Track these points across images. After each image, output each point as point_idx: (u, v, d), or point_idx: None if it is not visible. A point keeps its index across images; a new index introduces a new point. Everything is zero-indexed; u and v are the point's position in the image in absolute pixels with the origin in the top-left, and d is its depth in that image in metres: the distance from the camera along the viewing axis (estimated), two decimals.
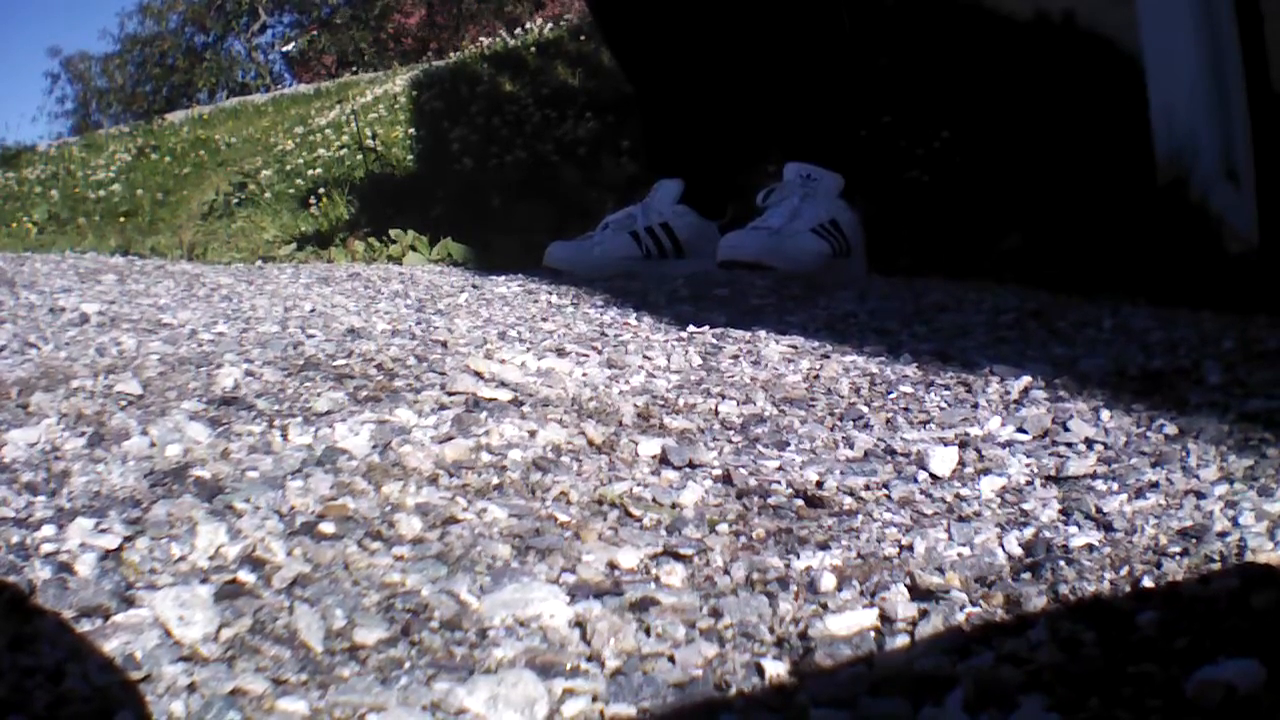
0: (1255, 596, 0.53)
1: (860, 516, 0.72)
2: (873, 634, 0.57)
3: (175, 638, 0.52)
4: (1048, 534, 0.66)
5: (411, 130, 5.79)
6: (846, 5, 1.92)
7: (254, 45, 20.39)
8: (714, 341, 1.20)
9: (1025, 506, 0.72)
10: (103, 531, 0.61)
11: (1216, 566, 0.59)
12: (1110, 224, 1.86)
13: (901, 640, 0.56)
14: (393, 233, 2.78)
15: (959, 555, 0.65)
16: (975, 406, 0.93)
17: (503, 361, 1.02)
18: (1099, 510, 0.69)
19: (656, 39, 2.04)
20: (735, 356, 1.13)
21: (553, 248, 2.03)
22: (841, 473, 0.80)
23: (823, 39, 1.93)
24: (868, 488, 0.77)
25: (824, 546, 0.68)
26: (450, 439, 0.81)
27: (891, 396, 0.99)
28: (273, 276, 1.83)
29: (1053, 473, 0.77)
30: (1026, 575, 0.62)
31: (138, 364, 0.98)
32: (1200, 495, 0.69)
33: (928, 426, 0.90)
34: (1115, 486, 0.73)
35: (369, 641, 0.54)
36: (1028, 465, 0.79)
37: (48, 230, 5.80)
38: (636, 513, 0.73)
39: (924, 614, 0.58)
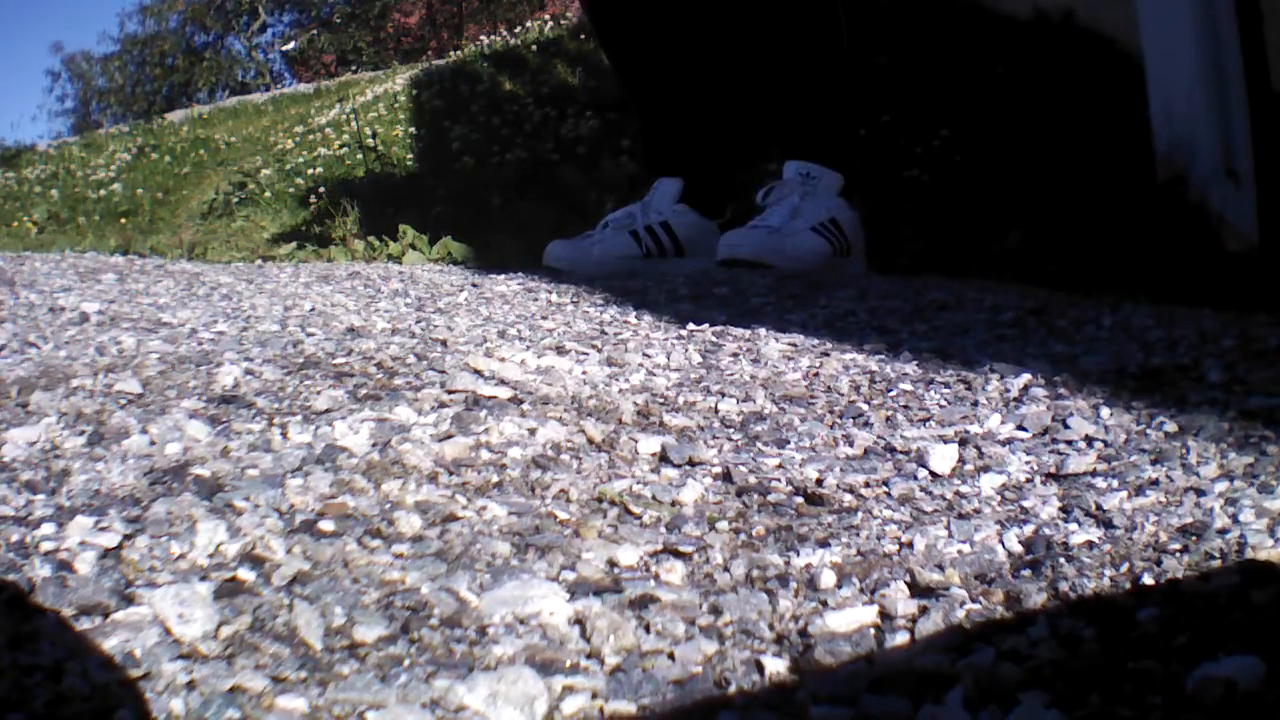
0: (1256, 593, 0.53)
1: (860, 514, 0.72)
2: (873, 631, 0.57)
3: (175, 635, 0.52)
4: (1048, 531, 0.66)
5: (411, 129, 5.79)
6: (844, 4, 1.92)
7: (254, 44, 20.39)
8: (714, 339, 1.20)
9: (1025, 504, 0.72)
10: (102, 530, 0.61)
11: (1217, 563, 0.59)
12: (1110, 222, 1.86)
13: (901, 637, 0.56)
14: (395, 230, 2.79)
15: (959, 552, 0.65)
16: (975, 404, 0.93)
17: (502, 360, 1.02)
18: (1099, 507, 0.69)
19: (653, 39, 2.04)
20: (735, 354, 1.13)
21: (552, 247, 2.03)
22: (841, 470, 0.80)
23: (820, 37, 1.93)
24: (868, 485, 0.77)
25: (824, 544, 0.68)
26: (450, 437, 0.81)
27: (891, 394, 0.99)
28: (272, 275, 1.83)
29: (1053, 470, 0.77)
30: (1026, 572, 0.62)
31: (137, 363, 0.98)
32: (1200, 492, 0.69)
33: (928, 424, 0.90)
34: (1115, 484, 0.73)
35: (368, 639, 0.54)
36: (1028, 463, 0.79)
37: (48, 230, 5.80)
38: (636, 510, 0.73)
39: (924, 611, 0.58)
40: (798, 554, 0.66)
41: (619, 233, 2.01)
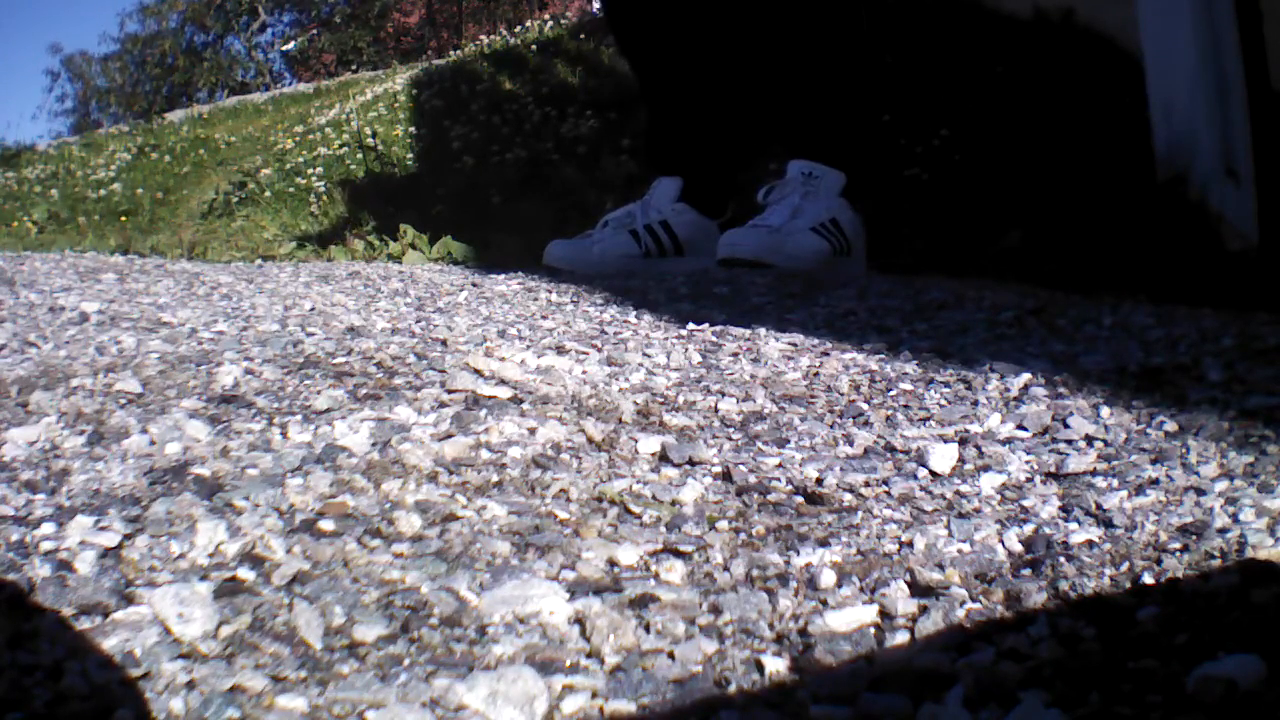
0: (1255, 592, 0.53)
1: (860, 513, 0.72)
2: (873, 630, 0.57)
3: (174, 635, 0.52)
4: (1048, 530, 0.66)
5: (411, 129, 5.78)
6: (866, 4, 1.92)
7: (254, 44, 20.38)
8: (714, 339, 1.20)
9: (1025, 503, 0.72)
10: (102, 529, 0.61)
11: (1217, 562, 0.59)
12: (1110, 221, 1.85)
13: (901, 636, 0.56)
14: (395, 230, 2.79)
15: (959, 552, 0.65)
16: (975, 404, 0.93)
17: (502, 359, 1.02)
18: (1099, 507, 0.69)
19: (668, 33, 2.04)
20: (735, 354, 1.13)
21: (552, 246, 2.03)
22: (841, 470, 0.80)
23: (839, 37, 1.93)
24: (868, 484, 0.77)
25: (824, 543, 0.68)
26: (450, 436, 0.81)
27: (891, 394, 0.99)
28: (272, 275, 1.83)
29: (1053, 469, 0.77)
30: (1026, 571, 0.62)
31: (137, 362, 0.98)
32: (1200, 492, 0.69)
33: (928, 423, 0.90)
34: (1115, 483, 0.73)
35: (368, 638, 0.54)
36: (1028, 462, 0.79)
37: (48, 229, 5.79)
38: (636, 510, 0.73)
39: (924, 610, 0.58)
40: (798, 553, 0.66)
41: (618, 232, 2.01)
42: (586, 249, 2.00)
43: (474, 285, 1.66)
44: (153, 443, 0.76)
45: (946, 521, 0.69)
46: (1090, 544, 0.64)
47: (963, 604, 0.58)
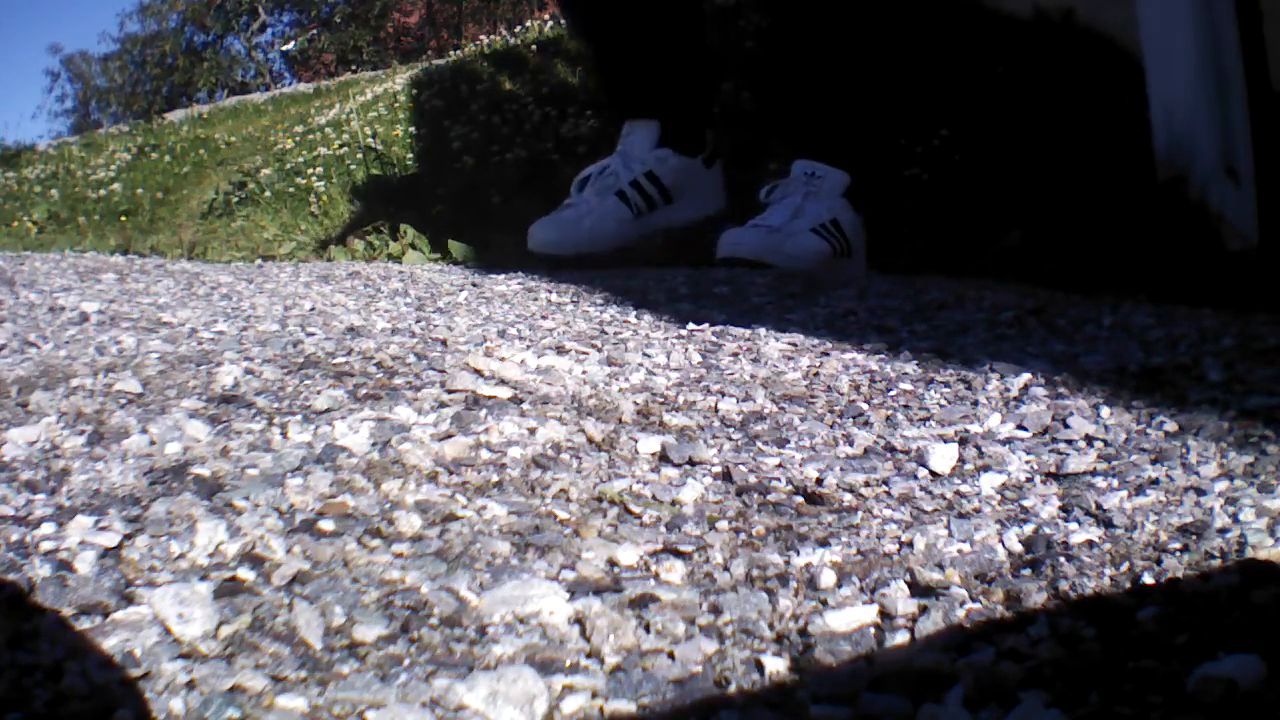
0: (1256, 592, 0.53)
1: (860, 513, 0.72)
2: (873, 630, 0.57)
3: (174, 635, 0.52)
4: (1048, 530, 0.66)
5: (411, 129, 5.78)
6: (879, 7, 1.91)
7: (254, 44, 20.37)
8: (714, 339, 1.20)
9: (1025, 503, 0.72)
10: (102, 529, 0.61)
11: (1217, 563, 0.59)
12: (1110, 221, 1.85)
13: (901, 636, 0.56)
14: (395, 230, 2.79)
15: (959, 552, 0.65)
16: (975, 404, 0.93)
17: (502, 359, 1.02)
18: (1099, 507, 0.69)
19: None
20: (735, 354, 1.13)
21: (537, 229, 1.95)
22: (841, 470, 0.80)
23: (850, 36, 1.92)
24: (868, 484, 0.77)
25: (824, 543, 0.68)
26: (450, 436, 0.81)
27: (891, 394, 0.99)
28: (272, 275, 1.83)
29: (1053, 469, 0.77)
30: (1026, 571, 0.62)
31: (137, 362, 0.98)
32: (1200, 492, 0.69)
33: (928, 423, 0.90)
34: (1115, 483, 0.73)
35: (368, 638, 0.54)
36: (1028, 462, 0.79)
37: (47, 229, 5.79)
38: (636, 510, 0.73)
39: (924, 610, 0.58)
40: (798, 553, 0.66)
41: (604, 198, 1.96)
42: (576, 224, 1.95)
43: (474, 285, 1.66)
44: (153, 443, 0.76)
45: (946, 521, 0.69)
46: (1090, 544, 0.64)
47: (963, 604, 0.58)
